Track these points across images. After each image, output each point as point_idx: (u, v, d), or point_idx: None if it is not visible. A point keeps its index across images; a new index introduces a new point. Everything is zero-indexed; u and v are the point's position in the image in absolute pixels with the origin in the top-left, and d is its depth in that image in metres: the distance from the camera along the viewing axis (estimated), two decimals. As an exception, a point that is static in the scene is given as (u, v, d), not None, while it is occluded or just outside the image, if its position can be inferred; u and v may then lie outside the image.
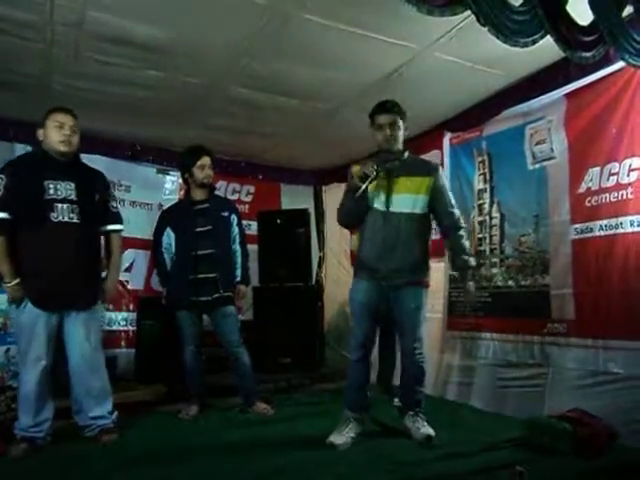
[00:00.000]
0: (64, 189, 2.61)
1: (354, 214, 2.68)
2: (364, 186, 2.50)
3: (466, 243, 2.76)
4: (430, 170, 2.70)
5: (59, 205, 2.58)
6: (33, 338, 2.54)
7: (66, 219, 2.59)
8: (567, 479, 2.22)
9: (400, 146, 2.72)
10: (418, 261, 2.67)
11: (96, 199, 2.76)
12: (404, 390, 2.82)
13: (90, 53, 3.04)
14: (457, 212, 2.76)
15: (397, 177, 2.63)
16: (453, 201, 2.77)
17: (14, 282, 2.51)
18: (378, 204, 2.63)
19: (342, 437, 2.59)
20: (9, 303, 2.57)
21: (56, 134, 2.61)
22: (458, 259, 2.74)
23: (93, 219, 2.74)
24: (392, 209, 2.61)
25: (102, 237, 2.88)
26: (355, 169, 2.64)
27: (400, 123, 2.67)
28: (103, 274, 2.88)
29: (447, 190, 2.76)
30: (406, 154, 2.72)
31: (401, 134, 2.68)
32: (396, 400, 3.50)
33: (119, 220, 2.94)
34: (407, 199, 2.63)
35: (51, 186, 2.58)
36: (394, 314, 2.71)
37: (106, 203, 2.85)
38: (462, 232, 2.74)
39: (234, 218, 3.46)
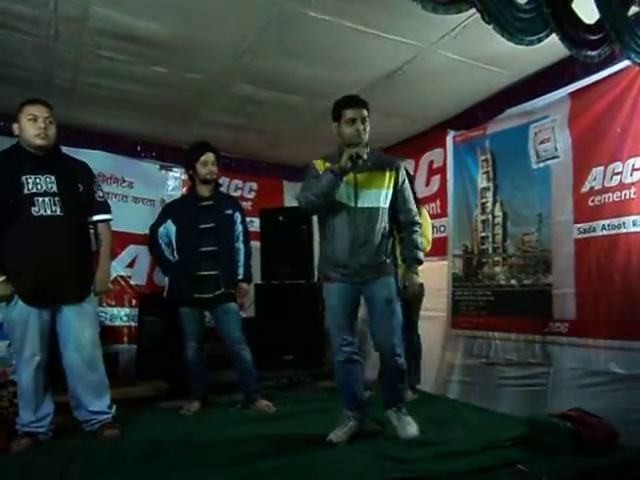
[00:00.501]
0: (44, 182, 2.54)
1: (328, 197, 2.52)
2: (354, 166, 2.46)
3: (418, 239, 2.74)
4: (394, 165, 2.67)
5: (39, 199, 2.51)
6: (26, 335, 2.51)
7: (48, 212, 2.53)
8: (568, 478, 2.21)
9: (366, 141, 2.64)
10: (387, 255, 2.63)
11: (80, 190, 2.68)
12: (386, 389, 2.74)
13: (93, 49, 3.05)
14: (414, 208, 2.75)
15: (364, 172, 2.58)
16: (411, 197, 2.76)
17: (0, 279, 2.47)
18: (345, 199, 2.56)
19: (339, 435, 2.59)
20: None
21: (31, 128, 2.53)
22: (408, 251, 2.70)
23: (78, 210, 2.67)
24: (360, 204, 2.56)
25: (92, 229, 2.80)
26: (319, 162, 2.62)
27: (367, 118, 2.61)
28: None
29: (407, 186, 2.73)
30: (368, 149, 2.60)
31: (368, 129, 2.61)
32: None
33: (107, 210, 2.86)
34: (374, 194, 2.59)
35: (29, 180, 2.51)
36: (368, 311, 2.67)
37: (92, 193, 2.77)
38: (416, 228, 2.73)
39: (238, 216, 3.46)
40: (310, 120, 4.13)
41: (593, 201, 3.05)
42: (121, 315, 4.50)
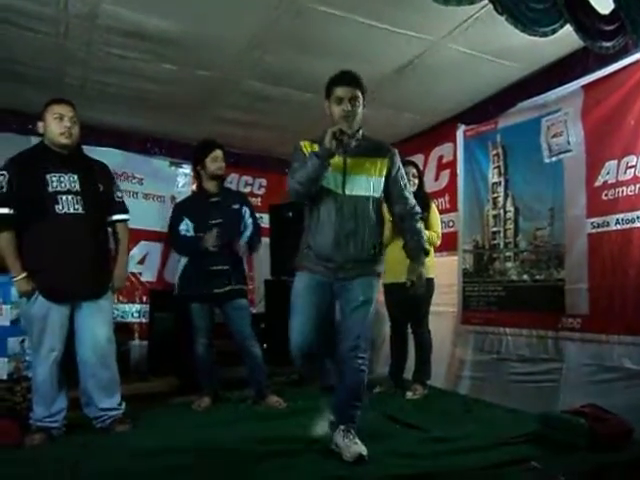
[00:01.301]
0: (67, 181, 2.61)
1: (316, 182, 2.29)
2: (339, 147, 2.23)
3: (422, 228, 2.54)
4: (387, 151, 2.44)
5: (63, 197, 2.58)
6: (45, 330, 2.56)
7: (71, 210, 2.59)
8: (583, 474, 2.19)
9: (358, 124, 2.40)
10: (376, 250, 2.39)
11: (100, 190, 2.75)
12: (338, 402, 2.41)
13: (104, 46, 3.06)
14: (412, 198, 2.51)
15: (354, 157, 2.35)
16: (408, 185, 2.57)
17: (21, 276, 2.53)
18: (333, 185, 2.33)
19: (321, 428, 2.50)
20: (19, 297, 2.60)
21: (56, 126, 2.61)
22: (413, 241, 2.48)
23: (98, 209, 2.73)
24: (348, 192, 2.33)
25: (110, 228, 2.88)
26: (306, 144, 2.43)
27: (361, 99, 2.37)
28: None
29: (403, 173, 2.51)
30: (361, 132, 2.42)
31: (360, 111, 2.37)
32: (409, 394, 3.52)
33: (124, 210, 2.93)
34: (364, 181, 2.35)
35: (54, 179, 2.58)
36: (340, 309, 2.44)
37: (111, 194, 2.84)
38: (417, 217, 2.50)
39: (246, 210, 3.46)
40: (319, 116, 4.08)
41: (607, 195, 3.01)
42: (132, 311, 4.54)
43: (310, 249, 2.41)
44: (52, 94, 3.62)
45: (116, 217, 2.88)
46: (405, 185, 2.49)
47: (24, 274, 2.53)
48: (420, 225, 2.52)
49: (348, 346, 2.34)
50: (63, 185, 2.59)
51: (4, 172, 2.56)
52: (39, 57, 3.17)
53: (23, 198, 2.54)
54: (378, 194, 2.40)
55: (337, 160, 2.29)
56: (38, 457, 2.36)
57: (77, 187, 2.62)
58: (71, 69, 3.36)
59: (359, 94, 2.35)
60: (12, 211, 2.53)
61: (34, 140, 3.96)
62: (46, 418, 2.58)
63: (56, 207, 2.56)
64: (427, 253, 2.56)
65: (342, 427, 2.34)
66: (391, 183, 2.43)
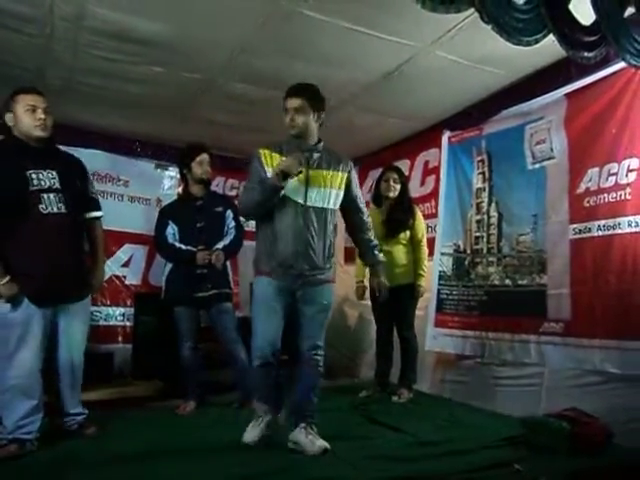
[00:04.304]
0: (47, 178, 2.45)
1: (267, 207, 2.44)
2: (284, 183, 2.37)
3: (375, 239, 2.73)
4: (346, 165, 2.58)
5: (45, 195, 2.42)
6: (25, 336, 2.40)
7: (55, 210, 2.44)
8: (563, 478, 2.23)
9: (315, 137, 2.54)
10: (330, 258, 2.56)
11: (78, 186, 2.62)
12: (298, 401, 2.54)
13: (89, 48, 3.03)
14: (366, 210, 2.72)
15: (316, 169, 2.47)
16: (362, 199, 2.72)
17: (5, 280, 2.36)
18: (295, 195, 2.43)
19: (253, 435, 2.54)
20: (5, 302, 2.39)
21: (29, 118, 2.42)
22: (370, 256, 2.71)
23: (76, 207, 2.58)
24: (309, 202, 2.45)
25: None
26: (264, 152, 2.51)
27: (307, 110, 2.46)
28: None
29: (358, 186, 2.70)
30: (321, 145, 2.54)
31: (308, 122, 2.47)
32: (395, 398, 3.54)
33: (99, 206, 2.81)
34: (325, 193, 2.48)
35: (34, 176, 2.41)
36: (301, 313, 2.53)
37: (86, 190, 2.70)
38: (370, 227, 2.71)
39: (229, 213, 3.46)
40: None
41: (589, 202, 3.06)
42: (116, 315, 4.48)
43: (272, 256, 2.48)
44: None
45: (93, 214, 2.74)
46: (361, 198, 2.68)
47: (7, 277, 2.37)
48: (371, 234, 2.71)
49: (309, 346, 2.53)
50: (44, 183, 2.43)
51: None
52: (22, 57, 3.13)
53: (3, 197, 2.36)
54: (336, 206, 2.56)
55: (300, 175, 2.41)
56: (14, 470, 2.24)
57: (57, 184, 2.47)
58: (55, 70, 3.31)
59: (301, 104, 2.45)
60: None
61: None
62: (18, 430, 2.38)
63: (40, 207, 2.40)
64: (383, 264, 2.77)
65: (302, 425, 2.47)
66: (350, 196, 2.60)
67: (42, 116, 2.45)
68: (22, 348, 2.40)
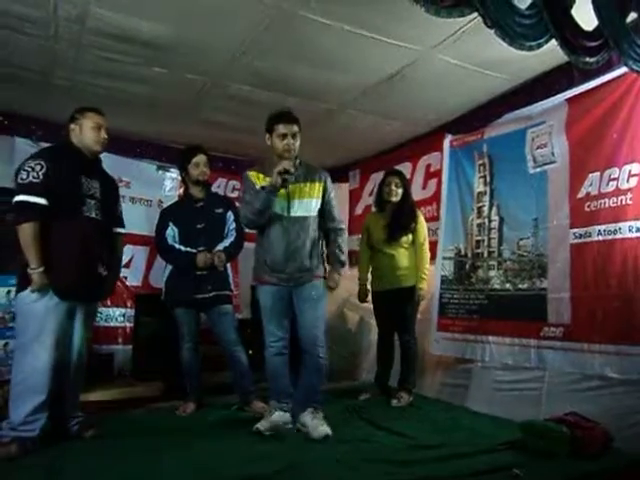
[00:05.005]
0: (91, 186, 2.70)
1: (266, 214, 2.76)
2: (286, 180, 2.68)
3: (343, 243, 2.99)
4: (321, 175, 2.89)
5: (87, 200, 2.66)
6: (43, 330, 2.48)
7: (93, 215, 2.67)
8: (563, 482, 2.23)
9: (295, 154, 2.85)
10: (317, 259, 2.88)
11: (111, 200, 2.86)
12: (304, 389, 2.86)
13: (92, 49, 3.05)
14: (338, 216, 3.00)
15: (295, 183, 2.78)
16: (337, 205, 3.00)
17: (40, 269, 2.46)
18: (279, 210, 2.78)
19: (265, 424, 2.79)
20: (31, 291, 2.47)
21: (94, 134, 2.69)
22: (334, 255, 2.95)
23: (109, 219, 2.82)
24: (293, 214, 2.79)
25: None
26: (253, 174, 2.85)
27: (299, 134, 2.82)
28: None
29: (333, 195, 2.96)
30: (298, 161, 2.84)
31: (299, 144, 2.82)
32: (394, 401, 3.53)
33: (124, 224, 3.04)
34: (306, 203, 2.81)
35: (84, 181, 2.66)
36: (296, 307, 2.85)
37: (116, 207, 2.94)
38: (341, 232, 2.99)
39: (230, 215, 3.46)
40: (307, 121, 4.11)
41: (589, 206, 3.06)
42: (117, 315, 4.48)
43: (266, 264, 2.85)
44: (39, 95, 3.64)
45: (118, 230, 2.96)
46: (335, 204, 2.98)
47: (42, 267, 2.47)
48: (341, 240, 2.98)
49: (308, 337, 2.81)
50: (89, 189, 2.68)
51: (41, 162, 2.52)
52: (28, 59, 3.15)
53: (59, 193, 2.53)
54: (316, 213, 2.87)
55: (282, 190, 2.74)
56: (15, 468, 2.26)
57: (98, 194, 2.72)
58: (60, 71, 3.33)
59: (297, 130, 2.80)
60: (46, 203, 2.49)
61: (18, 140, 3.97)
62: (21, 425, 2.43)
63: (83, 209, 2.63)
64: (344, 265, 3.03)
65: (310, 409, 2.79)
66: (325, 203, 2.90)
67: (105, 135, 2.74)
68: (37, 342, 2.48)
